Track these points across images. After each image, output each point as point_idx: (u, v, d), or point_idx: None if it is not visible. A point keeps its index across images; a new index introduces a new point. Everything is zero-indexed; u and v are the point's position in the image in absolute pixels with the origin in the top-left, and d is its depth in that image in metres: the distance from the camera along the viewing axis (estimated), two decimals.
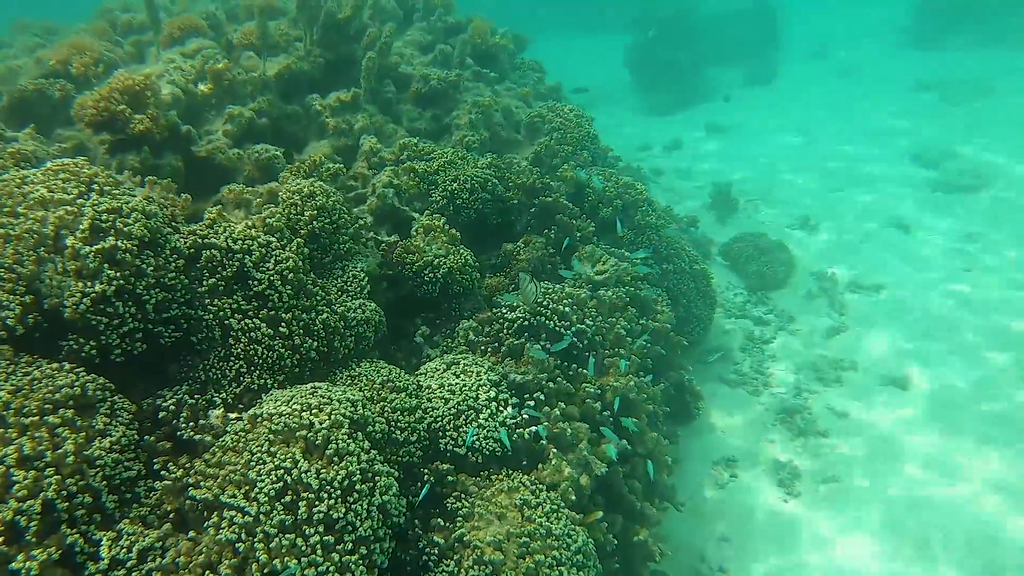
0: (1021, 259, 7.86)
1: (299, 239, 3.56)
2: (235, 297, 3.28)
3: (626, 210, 5.69)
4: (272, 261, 3.32)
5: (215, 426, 3.05)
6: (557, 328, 4.18)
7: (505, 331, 4.27)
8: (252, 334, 3.27)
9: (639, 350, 4.64)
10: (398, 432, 3.36)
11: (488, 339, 4.29)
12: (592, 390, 4.07)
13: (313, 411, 2.92)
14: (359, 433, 3.05)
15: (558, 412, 3.78)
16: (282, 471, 2.75)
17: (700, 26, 17.51)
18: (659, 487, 4.70)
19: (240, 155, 4.60)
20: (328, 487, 2.78)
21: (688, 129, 14.49)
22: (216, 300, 3.24)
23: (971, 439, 5.47)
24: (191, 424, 2.99)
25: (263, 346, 3.28)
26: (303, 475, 2.76)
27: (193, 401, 3.08)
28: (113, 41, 5.99)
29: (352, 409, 3.10)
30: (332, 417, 2.94)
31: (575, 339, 4.20)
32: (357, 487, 2.87)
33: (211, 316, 3.23)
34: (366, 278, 3.89)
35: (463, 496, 3.41)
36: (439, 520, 3.30)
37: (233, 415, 3.10)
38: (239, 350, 3.25)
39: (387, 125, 5.59)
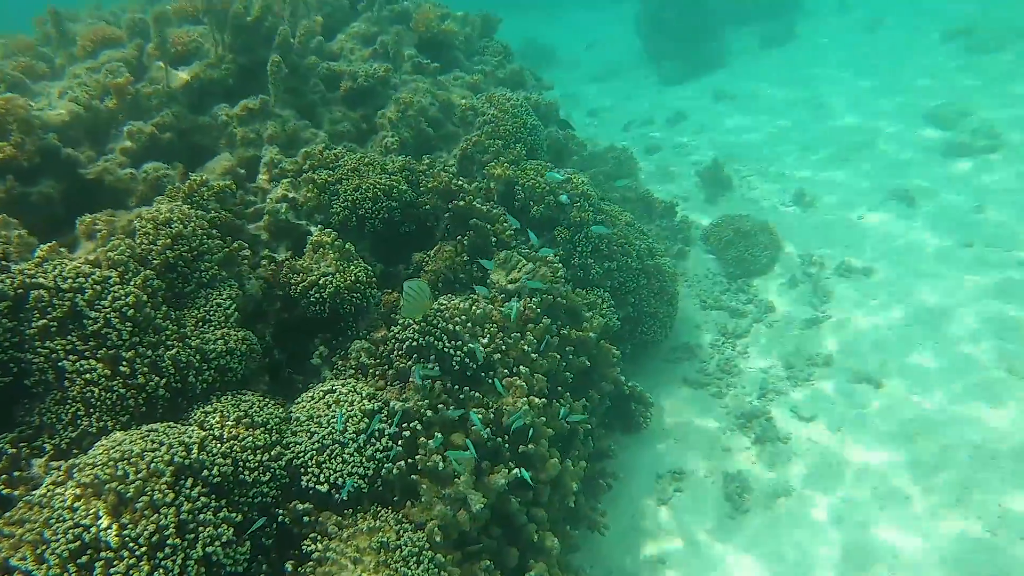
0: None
1: (149, 271, 3.46)
2: (70, 338, 3.21)
3: (562, 207, 5.40)
4: (109, 298, 3.22)
5: (37, 476, 3.00)
6: (446, 349, 3.99)
7: (395, 352, 4.11)
8: (88, 375, 3.20)
9: (552, 363, 4.40)
10: (246, 472, 3.25)
11: (379, 361, 4.14)
12: (483, 416, 3.87)
13: (132, 460, 2.83)
14: (188, 480, 2.95)
15: (432, 444, 3.60)
16: (80, 529, 2.68)
17: None
18: (580, 511, 4.50)
19: (134, 175, 4.52)
20: (132, 544, 2.69)
21: (695, 99, 13.86)
22: (48, 342, 3.18)
23: (940, 471, 5.02)
24: (2, 477, 2.94)
25: (100, 387, 3.21)
26: (102, 533, 2.67)
27: (15, 450, 3.04)
28: (40, 56, 6.00)
29: (184, 454, 3.00)
30: (152, 466, 2.84)
31: (467, 360, 4.00)
32: (170, 541, 2.77)
33: (42, 359, 3.16)
34: (233, 305, 3.77)
35: (321, 538, 3.29)
36: (289, 565, 3.19)
37: (58, 464, 3.04)
38: (75, 392, 3.19)
39: (305, 131, 5.43)
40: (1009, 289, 6.45)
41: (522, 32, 21.08)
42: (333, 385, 3.90)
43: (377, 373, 4.08)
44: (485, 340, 4.08)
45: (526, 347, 4.21)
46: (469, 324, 4.11)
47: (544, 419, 4.02)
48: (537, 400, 4.05)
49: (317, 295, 4.15)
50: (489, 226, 4.82)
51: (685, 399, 5.99)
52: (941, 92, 10.97)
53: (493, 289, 4.65)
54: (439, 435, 3.57)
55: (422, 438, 3.65)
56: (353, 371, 4.15)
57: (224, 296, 3.77)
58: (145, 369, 3.29)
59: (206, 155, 5.22)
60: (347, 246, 4.38)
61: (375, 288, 4.43)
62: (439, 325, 4.04)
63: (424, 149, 5.76)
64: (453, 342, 4.01)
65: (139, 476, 2.80)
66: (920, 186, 8.45)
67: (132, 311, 3.26)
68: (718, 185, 9.33)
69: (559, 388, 4.53)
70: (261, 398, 3.73)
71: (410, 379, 3.91)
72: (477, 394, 3.99)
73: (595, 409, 4.99)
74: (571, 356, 4.66)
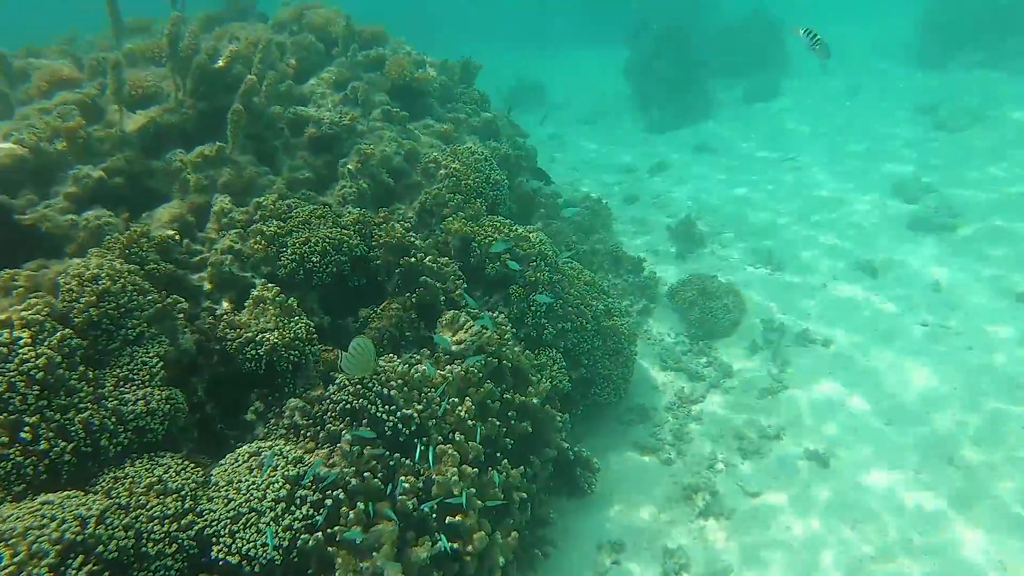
0: (988, 311, 7.30)
1: (67, 330, 3.43)
2: None
3: (518, 263, 5.42)
4: (16, 360, 3.18)
5: None
6: (379, 414, 3.96)
7: (329, 414, 4.08)
8: None
9: (491, 429, 4.38)
10: (150, 545, 3.18)
11: (312, 422, 4.10)
12: (411, 485, 3.83)
13: (10, 541, 2.76)
14: (78, 559, 2.88)
15: (353, 515, 3.55)
16: None
17: (703, 40, 17.04)
18: None
19: (74, 222, 4.51)
20: None
21: (677, 149, 14.09)
22: None
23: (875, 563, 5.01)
24: None
25: None
26: None
27: None
28: None
29: (77, 529, 2.93)
30: (35, 547, 2.78)
31: (400, 426, 3.97)
32: None
33: None
34: (159, 363, 3.74)
35: None
36: None
37: None
38: None
39: (263, 178, 5.46)
40: (954, 373, 6.53)
41: (516, 70, 21.46)
42: (259, 447, 3.86)
43: (308, 435, 4.04)
44: (420, 406, 4.06)
45: (463, 413, 4.19)
46: (405, 388, 4.09)
47: (475, 489, 3.98)
48: (469, 469, 4.02)
49: (253, 352, 4.13)
50: (439, 284, 4.83)
51: (634, 465, 5.96)
52: (910, 165, 11.23)
53: (438, 350, 4.64)
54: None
55: (344, 507, 3.60)
56: (285, 431, 4.11)
57: (151, 354, 3.74)
58: (51, 434, 3.23)
59: (159, 201, 5.22)
60: (289, 301, 4.37)
61: (316, 345, 4.41)
62: (374, 388, 4.02)
63: (384, 200, 5.79)
64: (387, 407, 3.99)
65: (15, 560, 2.72)
66: (884, 258, 8.59)
67: (41, 374, 3.21)
68: (689, 241, 9.42)
69: (497, 455, 4.50)
70: (181, 461, 3.68)
71: (339, 444, 3.88)
72: (409, 461, 3.96)
73: (537, 475, 4.96)
74: (513, 421, 4.64)
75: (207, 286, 4.51)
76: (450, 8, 35.92)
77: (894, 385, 6.49)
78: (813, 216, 10.02)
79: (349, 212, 5.18)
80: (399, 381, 4.07)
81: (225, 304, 4.52)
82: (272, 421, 4.17)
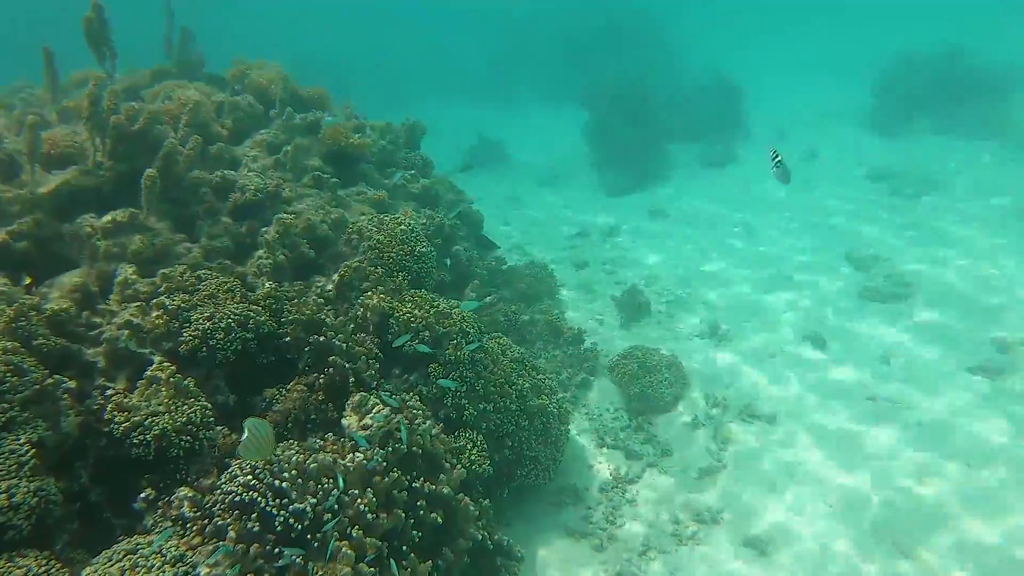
0: (934, 380, 7.45)
1: None
2: None
3: (438, 342, 5.40)
4: None
5: None
6: (269, 508, 3.83)
7: (219, 506, 3.93)
8: None
9: (396, 522, 4.26)
10: None
11: (200, 514, 3.95)
12: None
13: None
14: None
15: None
16: None
17: (663, 102, 17.67)
18: None
19: None
20: None
21: (632, 213, 14.39)
22: None
23: None
24: None
25: None
26: None
27: None
28: None
29: None
30: None
31: (291, 521, 3.84)
32: None
33: None
34: (30, 452, 3.58)
35: None
36: None
37: None
38: None
39: (177, 246, 5.40)
40: (904, 452, 6.60)
41: (479, 127, 21.90)
42: (137, 544, 3.69)
43: (195, 528, 3.88)
44: (315, 499, 3.94)
45: (363, 506, 4.07)
46: (300, 480, 3.98)
47: None
48: (366, 568, 3.89)
49: (140, 437, 3.99)
50: (348, 364, 4.77)
51: (562, 551, 5.84)
52: (863, 233, 11.62)
53: (343, 436, 4.54)
54: None
55: None
56: (171, 523, 3.94)
57: (21, 441, 3.59)
58: None
59: (68, 267, 5.12)
60: (186, 383, 4.26)
61: (212, 429, 4.29)
62: (265, 480, 3.90)
63: (303, 271, 5.76)
64: (278, 500, 3.86)
65: None
66: (833, 328, 8.78)
67: None
68: (635, 310, 9.52)
69: (403, 548, 4.36)
70: (46, 560, 3.49)
71: (226, 539, 3.73)
72: (299, 560, 3.81)
73: (451, 568, 4.81)
74: (422, 511, 4.53)
75: (102, 363, 4.38)
76: (417, 63, 36.87)
77: (843, 463, 6.52)
78: (762, 285, 10.23)
79: (262, 285, 5.13)
80: (293, 472, 3.96)
81: (120, 384, 4.38)
82: (160, 511, 4.01)
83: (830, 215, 12.77)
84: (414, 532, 4.44)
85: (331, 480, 4.11)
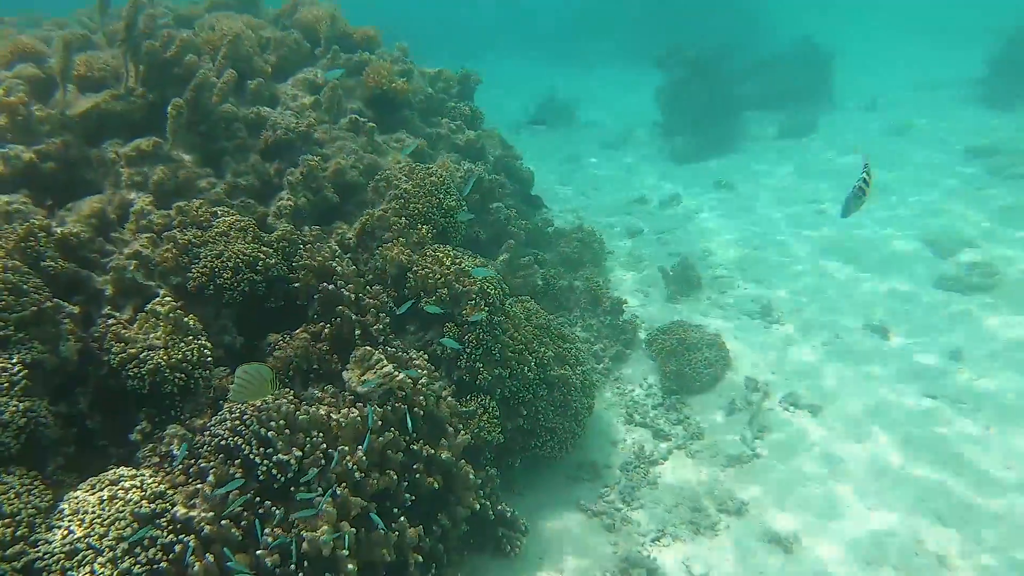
0: (1008, 391, 6.76)
1: None
2: None
3: (456, 300, 5.17)
4: None
5: None
6: (253, 456, 3.73)
7: (206, 447, 3.86)
8: None
9: (388, 483, 4.11)
10: None
11: (188, 453, 3.89)
12: (277, 539, 3.58)
13: None
14: None
15: (199, 567, 3.31)
16: None
17: (744, 67, 16.68)
18: None
19: None
20: None
21: (696, 182, 13.71)
22: None
23: None
24: None
25: None
26: None
27: None
28: None
29: None
30: None
31: (275, 471, 3.73)
32: None
33: None
34: (21, 372, 3.56)
35: None
36: None
37: None
38: None
39: (201, 180, 5.31)
40: (953, 460, 6.03)
41: (550, 83, 21.32)
42: (121, 474, 3.66)
43: (180, 467, 3.82)
44: (300, 452, 3.81)
45: (351, 464, 3.92)
46: (287, 431, 3.85)
47: (346, 552, 3.70)
48: (348, 527, 3.76)
49: (135, 370, 3.94)
50: (356, 316, 4.59)
51: (573, 527, 5.61)
52: (949, 214, 10.66)
53: (344, 389, 4.40)
54: None
55: (193, 556, 3.36)
56: (159, 459, 3.90)
57: (14, 361, 3.57)
58: None
59: (92, 192, 5.11)
60: (186, 319, 4.17)
61: (210, 368, 4.21)
62: (251, 427, 3.79)
63: (325, 216, 5.60)
64: (263, 449, 3.76)
65: None
66: (900, 316, 8.10)
67: None
68: (685, 284, 9.05)
69: (395, 510, 4.22)
70: (30, 480, 3.49)
71: (206, 482, 3.65)
72: (279, 512, 3.71)
73: (447, 535, 4.66)
74: (418, 475, 4.36)
75: (109, 291, 4.35)
76: (494, 18, 36.14)
77: (879, 468, 6.03)
78: (825, 265, 9.55)
79: (282, 226, 4.99)
80: (281, 422, 3.83)
81: (126, 314, 4.35)
82: (150, 447, 3.97)
83: (913, 192, 11.76)
84: (407, 495, 4.29)
85: (321, 434, 3.97)
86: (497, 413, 5.21)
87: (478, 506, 4.63)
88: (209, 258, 4.47)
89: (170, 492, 3.66)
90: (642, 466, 6.22)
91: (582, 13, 31.27)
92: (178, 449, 3.86)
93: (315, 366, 4.51)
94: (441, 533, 4.59)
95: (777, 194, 12.59)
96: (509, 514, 5.10)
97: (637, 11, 26.28)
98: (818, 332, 8.03)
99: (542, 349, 5.58)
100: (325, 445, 3.93)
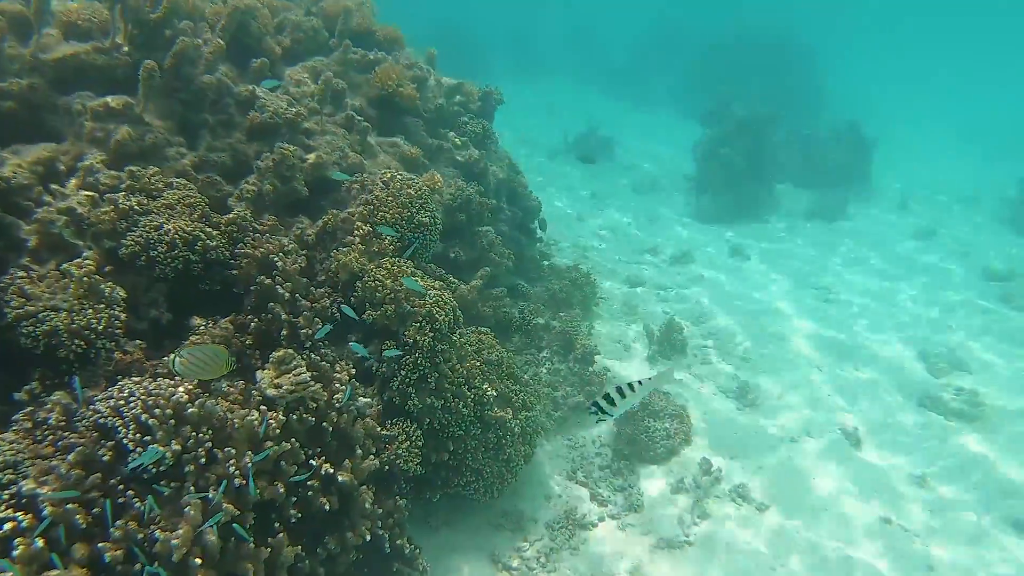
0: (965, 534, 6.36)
1: None
2: None
3: (402, 319, 4.97)
4: None
5: None
6: (126, 441, 3.54)
7: (85, 421, 3.69)
8: None
9: (277, 496, 3.89)
10: None
11: (65, 424, 3.72)
12: (125, 534, 3.38)
13: None
14: None
15: (22, 549, 3.12)
16: None
17: (784, 138, 16.42)
18: None
19: None
20: None
21: (713, 243, 13.44)
22: None
23: None
24: None
25: None
26: None
27: None
28: None
29: None
30: None
31: (147, 464, 3.54)
32: None
33: None
34: None
35: None
36: None
37: None
38: None
39: (170, 148, 5.20)
40: None
41: (599, 116, 21.27)
42: None
43: (50, 438, 3.65)
44: (179, 447, 3.62)
45: (233, 468, 3.72)
46: (172, 421, 3.66)
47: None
48: (211, 536, 3.54)
49: (30, 329, 3.79)
50: (286, 316, 4.42)
51: None
52: (949, 335, 10.27)
53: (254, 390, 4.21)
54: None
55: (19, 539, 3.17)
56: (31, 425, 3.73)
57: None
58: None
59: (53, 140, 5.01)
60: (103, 286, 4.03)
61: (116, 340, 4.05)
62: (134, 410, 3.61)
63: (291, 208, 5.45)
64: (139, 435, 3.57)
65: None
66: (878, 427, 7.73)
67: None
68: (668, 346, 8.76)
69: (276, 525, 4.00)
70: None
71: (66, 460, 3.47)
72: (141, 505, 3.51)
73: (335, 560, 4.42)
74: (310, 493, 4.14)
75: (33, 242, 4.23)
76: (560, 43, 36.32)
77: None
78: (817, 359, 9.20)
79: (238, 209, 4.85)
80: (168, 411, 3.65)
81: (47, 268, 4.21)
82: (28, 410, 3.81)
83: (920, 304, 11.37)
84: (294, 512, 4.07)
85: (210, 431, 3.78)
86: (421, 443, 4.98)
87: (368, 536, 4.39)
88: (147, 228, 4.33)
89: (27, 463, 3.48)
90: (569, 527, 5.93)
91: (645, 52, 31.30)
92: (56, 419, 3.69)
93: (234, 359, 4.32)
94: (327, 557, 4.36)
95: (789, 275, 12.25)
96: (407, 551, 4.84)
97: (698, 62, 26.19)
98: (790, 426, 7.68)
99: (484, 386, 5.34)
100: (211, 444, 3.74)
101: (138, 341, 4.32)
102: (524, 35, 35.66)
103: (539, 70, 32.09)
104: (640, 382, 3.59)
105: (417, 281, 4.68)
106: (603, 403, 3.54)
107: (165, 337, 4.57)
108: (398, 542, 4.81)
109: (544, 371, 7.44)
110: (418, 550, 4.96)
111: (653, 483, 6.59)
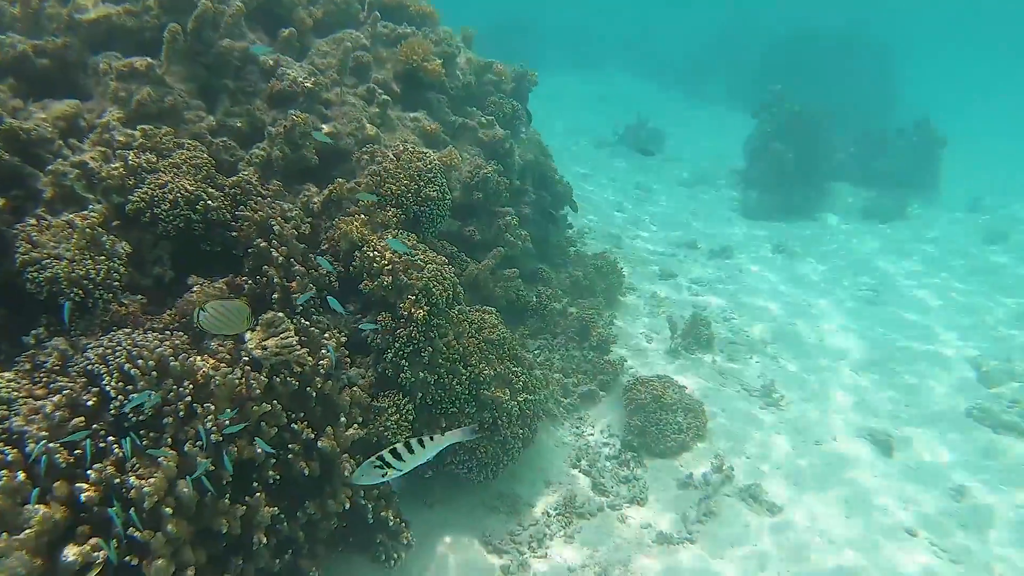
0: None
1: None
2: None
3: (399, 292, 5.00)
4: None
5: None
6: (109, 390, 3.67)
7: (76, 367, 3.85)
8: None
9: (256, 457, 3.99)
10: None
11: (60, 368, 3.88)
12: (102, 477, 3.51)
13: None
14: None
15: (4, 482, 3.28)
16: None
17: (844, 134, 15.82)
18: None
19: None
20: None
21: (756, 241, 13.09)
22: None
23: None
24: None
25: None
26: None
27: None
28: None
29: None
30: None
31: (127, 412, 3.67)
32: None
33: None
34: None
35: None
36: None
37: None
38: None
39: (189, 111, 5.35)
40: None
41: (654, 108, 20.98)
42: None
43: (44, 380, 3.82)
44: (159, 399, 3.73)
45: (210, 424, 3.82)
46: (155, 374, 3.78)
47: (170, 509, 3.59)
48: (184, 487, 3.65)
49: (34, 275, 3.97)
50: (279, 279, 4.50)
51: (469, 556, 5.35)
52: (1014, 342, 9.73)
53: (243, 351, 4.30)
54: None
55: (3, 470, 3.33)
56: (30, 367, 3.91)
57: None
58: None
59: (82, 98, 5.22)
60: (105, 238, 4.18)
61: (114, 291, 4.20)
62: (119, 358, 3.74)
63: (299, 176, 5.54)
64: (122, 384, 3.70)
65: None
66: (912, 438, 7.40)
67: None
68: (694, 340, 8.58)
69: (254, 484, 4.10)
70: None
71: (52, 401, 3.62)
72: (119, 452, 3.64)
73: (316, 524, 4.50)
74: (290, 456, 4.22)
75: (48, 194, 4.41)
76: (619, 36, 35.91)
77: None
78: (855, 362, 8.87)
79: (246, 171, 4.96)
80: (151, 363, 3.77)
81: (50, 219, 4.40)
82: (30, 353, 3.99)
83: (981, 308, 10.81)
84: (272, 473, 4.16)
85: (191, 386, 3.88)
86: (412, 417, 5.02)
87: (347, 504, 4.45)
88: (152, 186, 4.47)
89: (20, 402, 3.64)
90: (566, 515, 5.88)
91: (705, 48, 30.67)
92: (52, 363, 3.86)
93: None
94: (307, 521, 4.44)
95: (833, 273, 11.83)
96: (392, 523, 4.89)
97: (759, 59, 25.49)
98: (813, 429, 7.43)
99: (481, 365, 5.34)
100: (191, 399, 3.84)
101: (139, 296, 4.48)
102: (583, 30, 35.44)
103: (596, 64, 31.88)
104: (432, 438, 3.34)
105: (402, 243, 4.69)
106: (389, 457, 3.26)
107: (168, 294, 4.72)
108: (382, 514, 4.87)
109: (557, 357, 7.39)
110: (404, 524, 5.01)
111: (660, 477, 6.48)
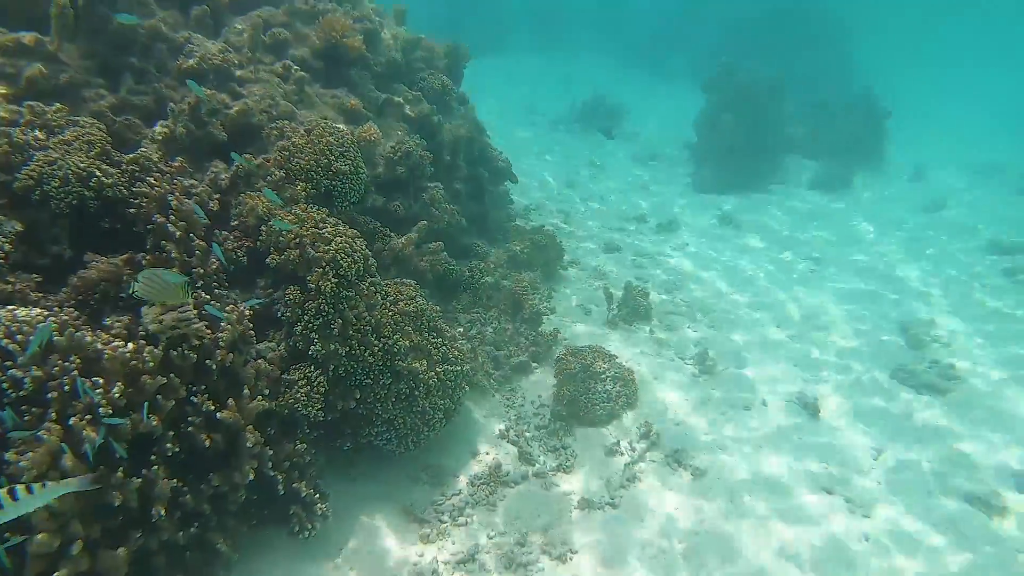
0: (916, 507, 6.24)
1: None
2: None
3: (307, 265, 5.00)
4: None
5: None
6: None
7: None
8: None
9: (153, 430, 3.99)
10: None
11: None
12: None
13: None
14: None
15: None
16: None
17: (795, 106, 15.99)
18: None
19: None
20: None
21: (703, 212, 13.22)
22: None
23: None
24: None
25: None
26: None
27: None
28: None
29: None
30: None
31: (3, 384, 3.65)
32: None
33: None
34: None
35: None
36: None
37: None
38: None
39: (87, 90, 5.27)
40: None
41: (612, 87, 20.98)
42: None
43: None
44: (40, 373, 3.72)
45: (100, 399, 3.81)
46: (39, 348, 3.76)
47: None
48: (69, 459, 3.65)
49: None
50: (179, 255, 4.48)
51: (391, 527, 5.40)
52: (937, 309, 9.98)
53: (140, 326, 4.29)
54: None
55: None
56: None
57: None
58: None
59: None
60: None
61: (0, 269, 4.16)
62: None
63: (205, 153, 5.49)
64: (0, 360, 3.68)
65: None
66: (835, 400, 7.58)
67: None
68: (631, 311, 8.68)
69: (152, 456, 4.11)
70: None
71: None
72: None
73: (225, 497, 4.52)
74: (190, 429, 4.23)
75: None
76: (579, 14, 35.79)
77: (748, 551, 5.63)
78: (786, 330, 9.04)
79: (147, 150, 4.92)
80: (32, 337, 3.74)
81: None
82: None
83: (911, 278, 11.06)
84: (170, 446, 4.17)
85: (78, 360, 3.87)
86: (324, 389, 5.04)
87: (251, 476, 4.47)
88: (40, 163, 4.42)
89: None
90: (490, 484, 5.96)
91: (669, 24, 30.73)
92: None
93: (122, 295, 4.41)
94: (213, 494, 4.46)
95: (775, 244, 12.02)
96: (305, 494, 4.92)
97: (722, 34, 25.58)
98: (745, 392, 7.58)
99: (395, 336, 5.37)
100: (77, 373, 3.83)
101: (33, 275, 4.44)
102: (550, 12, 35.22)
103: (563, 45, 31.78)
104: (44, 484, 2.91)
105: (284, 221, 4.70)
106: None
107: (69, 273, 4.68)
108: (294, 486, 4.90)
109: (490, 330, 7.44)
110: (318, 495, 5.04)
111: (589, 445, 6.58)
